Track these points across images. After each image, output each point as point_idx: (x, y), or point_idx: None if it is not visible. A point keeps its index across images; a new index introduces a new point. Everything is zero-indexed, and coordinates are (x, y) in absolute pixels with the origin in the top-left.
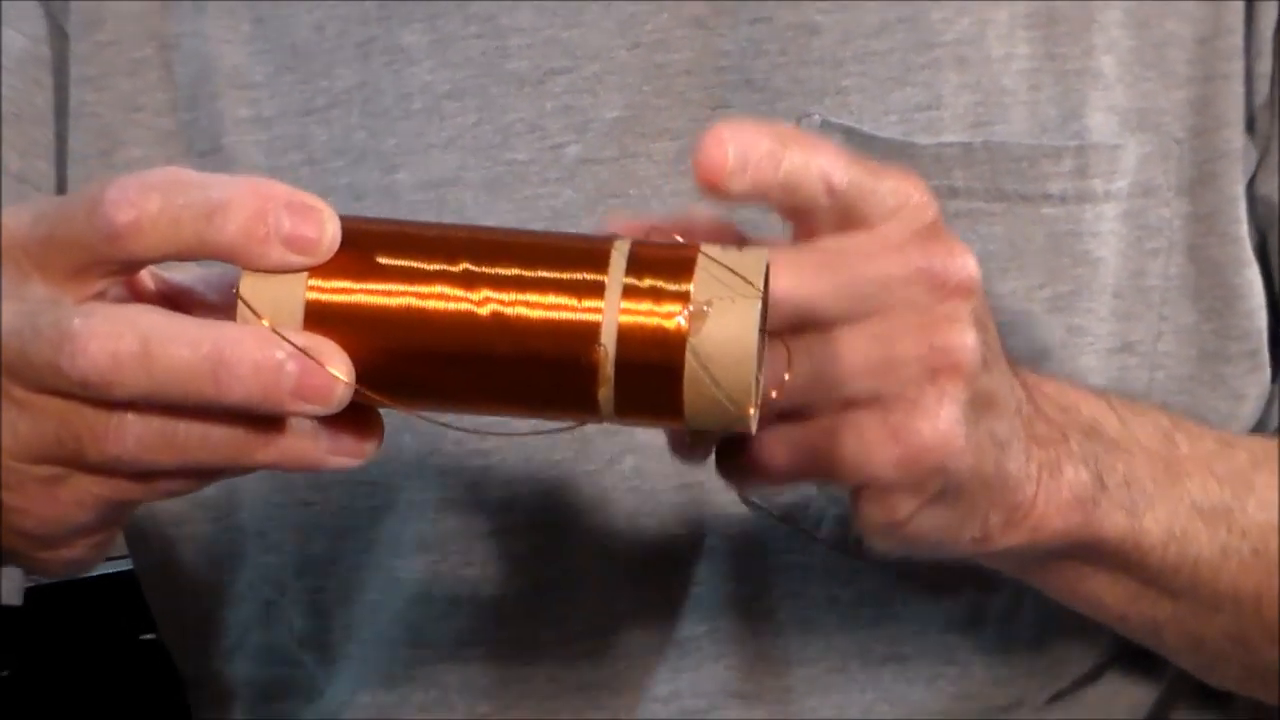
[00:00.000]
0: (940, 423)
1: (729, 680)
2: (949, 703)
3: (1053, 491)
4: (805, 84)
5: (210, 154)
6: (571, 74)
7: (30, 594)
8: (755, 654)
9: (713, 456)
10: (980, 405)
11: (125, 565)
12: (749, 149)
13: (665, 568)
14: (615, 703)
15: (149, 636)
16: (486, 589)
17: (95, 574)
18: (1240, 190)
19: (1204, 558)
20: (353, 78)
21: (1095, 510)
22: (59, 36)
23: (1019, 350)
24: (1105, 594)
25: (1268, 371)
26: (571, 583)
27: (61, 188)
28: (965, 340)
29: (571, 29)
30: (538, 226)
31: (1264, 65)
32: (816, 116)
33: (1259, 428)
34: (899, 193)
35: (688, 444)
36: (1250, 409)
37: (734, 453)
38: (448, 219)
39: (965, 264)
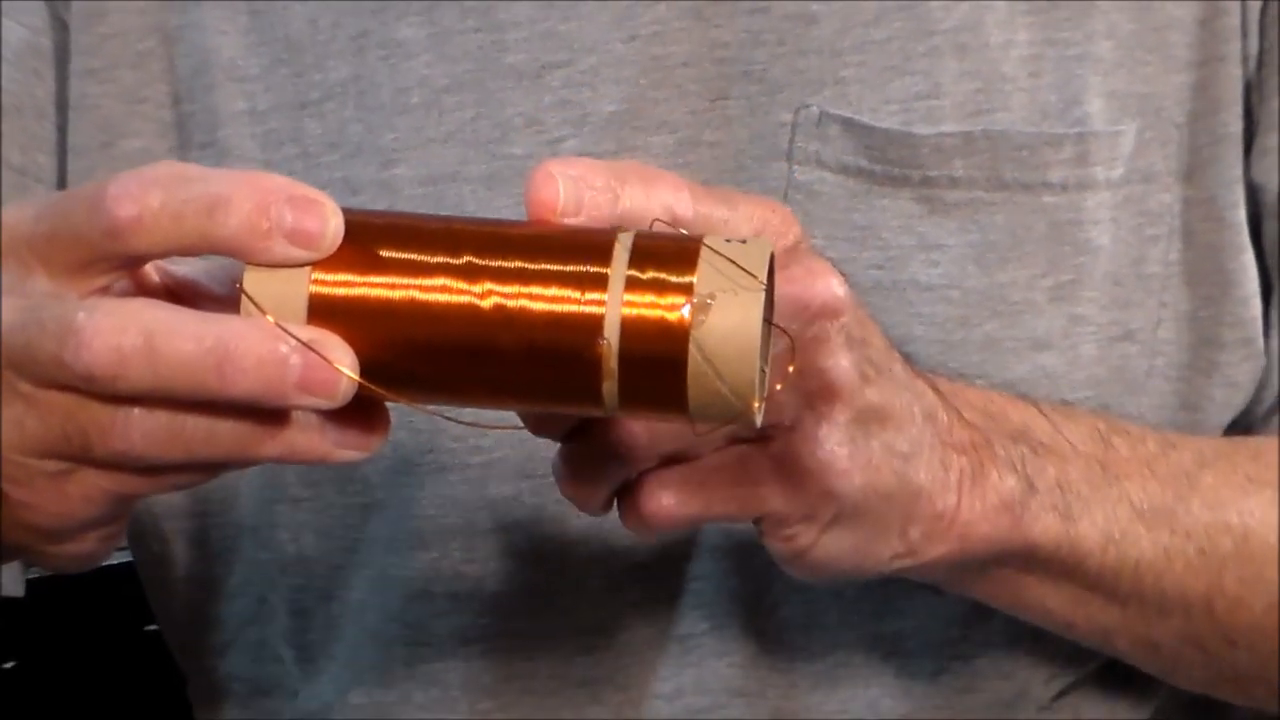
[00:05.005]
0: (818, 448)
1: (732, 677)
2: (953, 697)
3: (977, 497)
4: (804, 74)
5: (207, 146)
6: (569, 67)
7: (33, 585)
8: (758, 650)
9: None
10: (868, 421)
11: (128, 556)
12: (582, 186)
13: (666, 564)
14: (618, 699)
15: (152, 628)
16: (488, 586)
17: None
18: (1238, 174)
19: (1146, 560)
20: (347, 71)
21: (1025, 514)
22: (59, 29)
23: (1019, 341)
24: (1049, 602)
25: (1261, 360)
26: (573, 579)
27: (62, 181)
28: (836, 361)
29: (568, 22)
30: None
31: (1251, 45)
32: (815, 107)
33: (1246, 414)
34: (755, 219)
35: (590, 499)
36: (1244, 398)
37: (630, 501)
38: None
39: (828, 284)
